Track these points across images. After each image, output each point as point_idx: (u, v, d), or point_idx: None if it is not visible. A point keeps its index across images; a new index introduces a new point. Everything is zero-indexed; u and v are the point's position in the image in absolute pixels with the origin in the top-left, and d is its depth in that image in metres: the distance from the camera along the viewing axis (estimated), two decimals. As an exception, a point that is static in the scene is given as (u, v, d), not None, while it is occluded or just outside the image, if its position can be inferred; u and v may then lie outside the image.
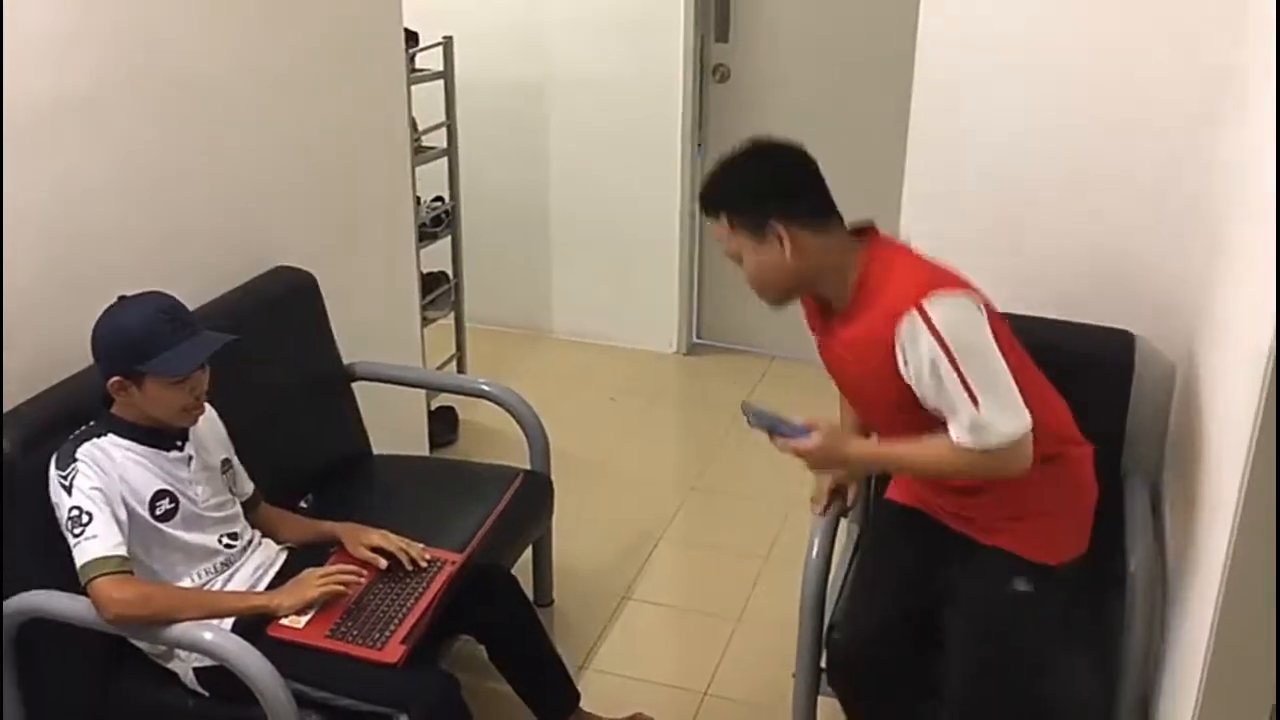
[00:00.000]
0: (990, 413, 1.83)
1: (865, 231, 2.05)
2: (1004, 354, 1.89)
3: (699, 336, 4.68)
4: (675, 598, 3.10)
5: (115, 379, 2.00)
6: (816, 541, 2.29)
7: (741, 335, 4.61)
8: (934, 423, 1.93)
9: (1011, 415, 1.85)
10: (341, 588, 2.10)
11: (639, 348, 4.63)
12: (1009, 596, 2.06)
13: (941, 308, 1.85)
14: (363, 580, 2.16)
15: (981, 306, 1.93)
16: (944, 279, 1.93)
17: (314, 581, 2.10)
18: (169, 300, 2.05)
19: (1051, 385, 2.11)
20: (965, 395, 1.84)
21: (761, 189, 1.99)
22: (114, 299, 2.05)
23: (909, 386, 1.91)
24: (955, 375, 1.83)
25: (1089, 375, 2.42)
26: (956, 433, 1.87)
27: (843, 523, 2.46)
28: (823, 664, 2.30)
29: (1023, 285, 2.53)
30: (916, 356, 1.86)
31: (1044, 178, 2.48)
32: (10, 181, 2.09)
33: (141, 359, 1.97)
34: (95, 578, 1.92)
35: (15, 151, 2.09)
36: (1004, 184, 2.53)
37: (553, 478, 2.86)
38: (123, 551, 1.96)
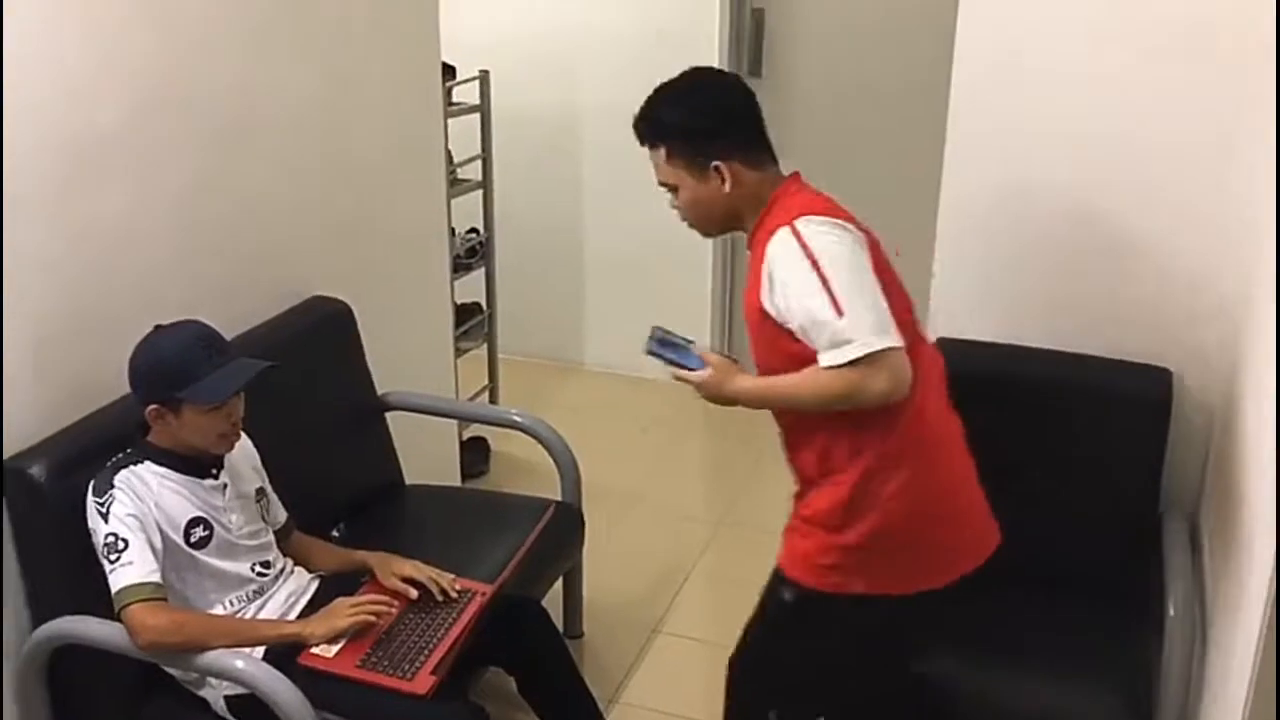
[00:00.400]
0: (853, 321, 1.78)
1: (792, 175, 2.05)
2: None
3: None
4: (706, 632, 3.08)
5: (153, 407, 2.02)
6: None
7: (774, 369, 4.59)
8: (792, 369, 1.89)
9: (875, 325, 1.79)
10: (372, 618, 2.10)
11: (671, 381, 4.60)
12: (774, 600, 2.12)
13: (814, 225, 1.86)
14: (393, 611, 2.16)
15: (862, 239, 1.91)
16: (827, 208, 1.92)
17: (345, 611, 2.10)
18: (205, 328, 2.08)
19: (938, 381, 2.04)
20: (829, 304, 1.78)
21: (707, 124, 1.97)
22: (148, 328, 2.08)
23: (771, 318, 1.88)
24: (819, 282, 1.79)
25: (1126, 412, 2.40)
26: (822, 351, 1.81)
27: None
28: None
29: (1057, 320, 2.52)
30: (783, 271, 1.84)
31: (1079, 211, 2.47)
32: (46, 214, 2.13)
33: (178, 386, 1.99)
34: (129, 604, 1.94)
35: (51, 184, 2.13)
36: (1038, 218, 2.52)
37: (584, 509, 2.86)
38: (157, 578, 1.97)
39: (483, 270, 3.93)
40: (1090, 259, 2.49)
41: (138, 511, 1.98)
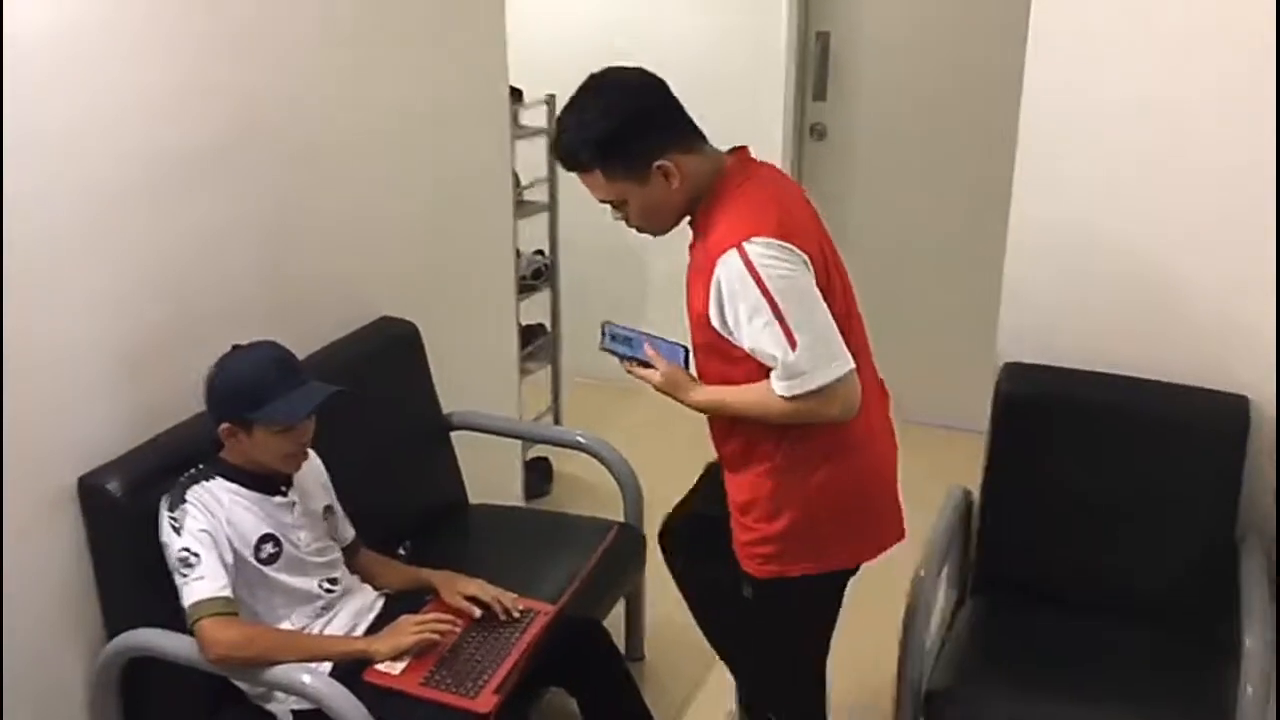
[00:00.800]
0: (807, 354, 1.80)
1: (735, 150, 2.04)
2: (832, 309, 1.86)
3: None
4: (767, 657, 3.05)
5: (226, 425, 2.06)
6: (915, 605, 2.26)
7: (837, 391, 4.56)
8: (734, 374, 1.92)
9: (827, 355, 1.82)
10: (436, 636, 2.12)
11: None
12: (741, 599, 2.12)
13: (764, 251, 1.82)
14: (457, 630, 2.17)
15: (807, 258, 1.87)
16: (777, 221, 1.87)
17: (409, 629, 2.12)
18: (280, 350, 2.12)
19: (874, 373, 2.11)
20: (783, 337, 1.80)
21: (632, 129, 1.92)
22: (224, 347, 2.12)
23: (716, 330, 1.89)
24: (771, 313, 1.80)
25: (1202, 438, 2.36)
26: (774, 378, 1.84)
27: (942, 583, 2.40)
28: (920, 728, 2.25)
29: (1131, 347, 2.48)
30: (734, 298, 1.83)
31: (1150, 237, 2.44)
32: (133, 231, 2.19)
33: (252, 407, 2.03)
34: (200, 619, 1.97)
35: (139, 202, 2.19)
36: (1108, 243, 2.48)
37: (646, 530, 2.85)
38: (228, 593, 2.00)
39: (548, 291, 3.96)
40: (1161, 285, 2.45)
41: (209, 527, 2.02)
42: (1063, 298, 2.56)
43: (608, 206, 2.02)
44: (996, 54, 3.83)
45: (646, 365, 2.08)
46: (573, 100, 1.98)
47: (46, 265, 2.03)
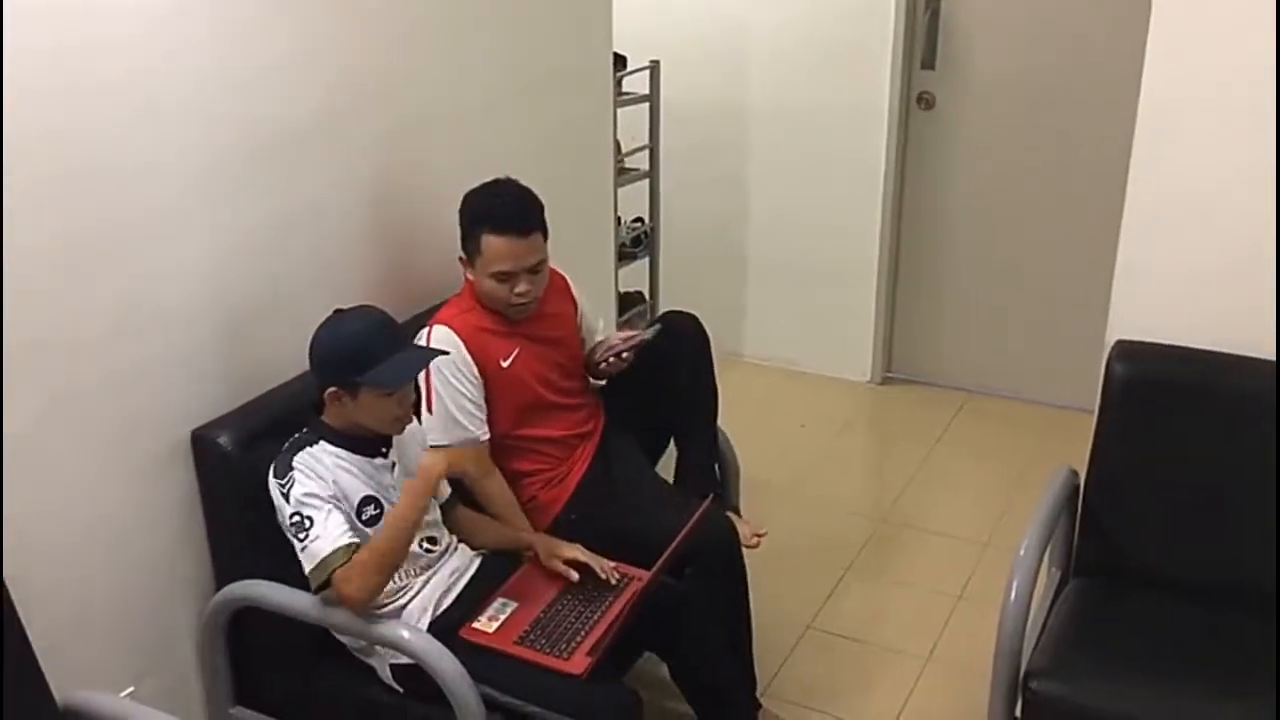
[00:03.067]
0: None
1: None
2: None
3: (890, 370, 4.58)
4: (861, 631, 3.03)
5: (331, 389, 2.10)
6: (1016, 583, 2.19)
7: (936, 369, 4.49)
8: None
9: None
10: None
11: (830, 376, 4.57)
12: None
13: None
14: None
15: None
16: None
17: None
18: (383, 315, 2.15)
19: None
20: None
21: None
22: (325, 312, 2.15)
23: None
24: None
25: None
26: None
27: (1044, 565, 2.35)
28: (1017, 713, 2.20)
29: (1250, 326, 2.38)
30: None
31: (1271, 218, 2.33)
32: (245, 198, 2.24)
33: (359, 371, 2.06)
34: (331, 573, 1.99)
35: (252, 171, 2.24)
36: (1231, 217, 2.38)
37: (739, 500, 2.85)
38: (346, 540, 2.01)
39: (646, 260, 3.96)
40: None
41: (318, 489, 2.05)
42: (1179, 274, 2.47)
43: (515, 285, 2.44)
44: (1115, 21, 3.72)
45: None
46: (510, 181, 2.48)
47: (160, 230, 2.10)
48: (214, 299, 2.22)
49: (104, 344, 2.03)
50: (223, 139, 2.18)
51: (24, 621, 1.83)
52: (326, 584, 2.01)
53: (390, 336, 2.12)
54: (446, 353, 2.33)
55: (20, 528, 1.92)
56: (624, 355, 2.56)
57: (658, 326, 2.60)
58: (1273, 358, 2.35)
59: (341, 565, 2.00)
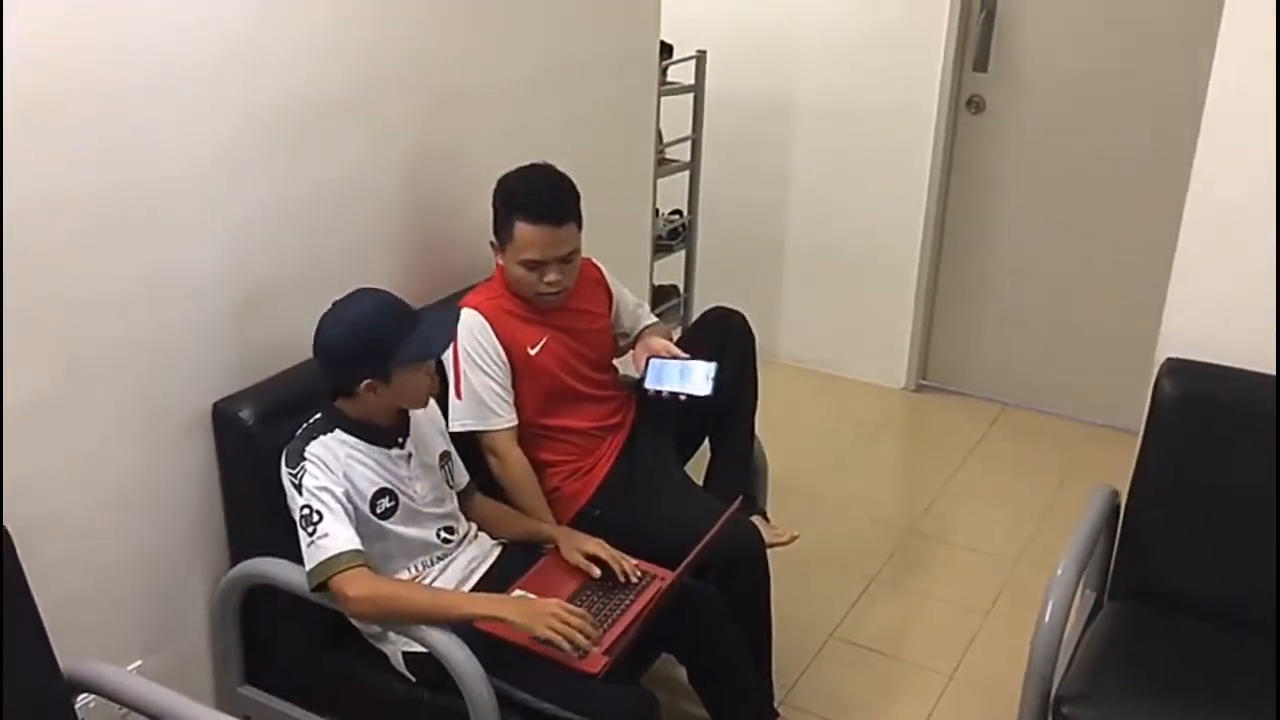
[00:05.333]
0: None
1: None
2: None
3: (925, 377, 4.50)
4: (884, 643, 2.96)
5: (366, 381, 2.02)
6: (1051, 603, 2.12)
7: (972, 379, 4.40)
8: None
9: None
10: (567, 645, 1.94)
11: (864, 380, 4.49)
12: None
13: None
14: (590, 645, 2.00)
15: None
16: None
17: (549, 619, 1.95)
18: (386, 294, 2.08)
19: None
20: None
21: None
22: (358, 290, 2.09)
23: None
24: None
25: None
26: None
27: (1080, 585, 2.27)
28: (1045, 737, 2.13)
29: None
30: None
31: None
32: (277, 172, 2.20)
33: (389, 354, 2.00)
34: (332, 576, 1.94)
35: (283, 145, 2.20)
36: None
37: (767, 503, 2.78)
38: (354, 545, 1.97)
39: (683, 253, 3.89)
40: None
41: (329, 483, 1.99)
42: (1236, 293, 2.38)
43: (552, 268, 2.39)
44: (1179, 32, 3.62)
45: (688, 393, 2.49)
46: (547, 167, 2.42)
47: (192, 196, 2.05)
48: (242, 270, 2.18)
49: (130, 307, 1.99)
50: (256, 107, 2.13)
51: (31, 587, 1.79)
52: (324, 585, 1.96)
53: (403, 311, 2.07)
54: (457, 309, 2.31)
55: (34, 491, 1.88)
56: (681, 399, 2.48)
57: (716, 366, 2.48)
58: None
59: (344, 570, 1.94)
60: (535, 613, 1.97)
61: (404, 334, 2.02)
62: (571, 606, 2.00)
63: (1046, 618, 2.12)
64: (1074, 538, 2.26)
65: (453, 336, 2.18)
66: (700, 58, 3.64)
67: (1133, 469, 2.42)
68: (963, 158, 4.16)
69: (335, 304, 2.06)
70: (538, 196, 2.35)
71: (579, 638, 1.95)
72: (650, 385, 2.52)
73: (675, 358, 2.53)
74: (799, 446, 3.86)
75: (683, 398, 2.47)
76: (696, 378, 2.48)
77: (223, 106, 2.08)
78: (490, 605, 2.03)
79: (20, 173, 1.76)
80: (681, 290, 3.97)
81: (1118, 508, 2.44)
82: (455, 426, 2.35)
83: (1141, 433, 2.41)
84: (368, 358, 2.01)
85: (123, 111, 1.91)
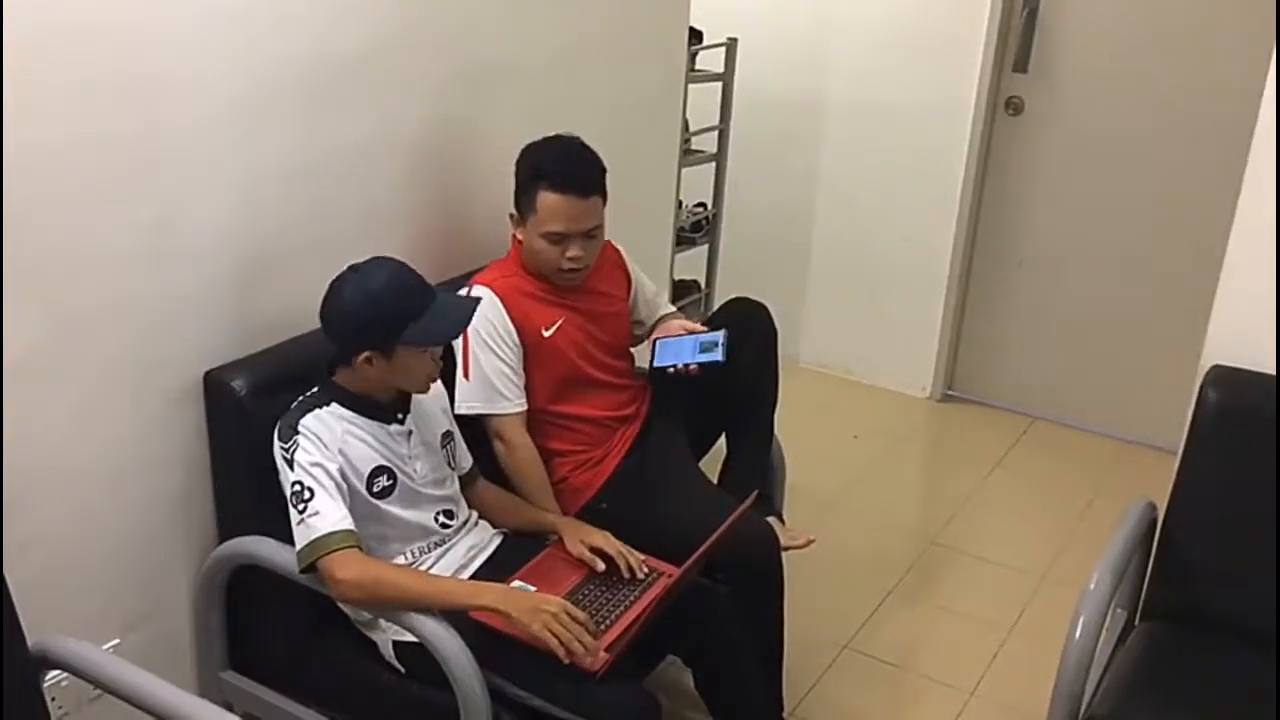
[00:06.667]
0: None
1: None
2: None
3: (951, 387, 4.36)
4: (901, 657, 2.83)
5: (365, 354, 1.92)
6: (1083, 620, 1.99)
7: (1001, 390, 4.27)
8: None
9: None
10: (562, 652, 1.82)
11: (888, 388, 4.36)
12: None
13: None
14: (590, 655, 1.87)
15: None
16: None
17: (548, 619, 1.83)
18: (403, 266, 1.96)
19: None
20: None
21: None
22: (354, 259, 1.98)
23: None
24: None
25: None
26: None
27: (1110, 606, 2.14)
28: (1073, 761, 2.00)
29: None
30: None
31: None
32: (283, 135, 2.10)
33: (396, 330, 1.90)
34: (320, 557, 1.84)
35: (292, 107, 2.10)
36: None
37: (784, 509, 2.66)
38: (347, 525, 1.86)
39: (706, 247, 3.78)
40: None
41: (322, 459, 1.89)
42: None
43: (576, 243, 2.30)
44: (1230, 35, 3.48)
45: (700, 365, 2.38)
46: (574, 139, 2.31)
47: (197, 154, 1.97)
48: (245, 234, 2.08)
49: (124, 266, 1.89)
50: (273, 62, 2.04)
51: (3, 554, 1.69)
52: (313, 566, 1.85)
53: (421, 288, 1.96)
54: (479, 299, 2.19)
55: (13, 460, 1.79)
56: (691, 369, 2.38)
57: (725, 332, 2.38)
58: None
59: (336, 550, 1.83)
60: (535, 609, 1.85)
61: (416, 312, 1.91)
62: (575, 610, 1.87)
63: (1078, 633, 1.99)
64: (1109, 551, 2.13)
65: (465, 325, 2.05)
66: (731, 45, 3.53)
67: (1172, 481, 2.30)
68: (999, 161, 4.03)
69: (352, 267, 1.95)
70: (564, 165, 2.25)
71: (576, 645, 1.82)
72: (660, 363, 2.41)
73: (688, 334, 2.44)
74: (819, 453, 3.74)
75: (693, 368, 2.36)
76: (706, 347, 2.37)
77: (238, 59, 1.98)
78: (488, 595, 1.91)
79: (15, 120, 1.67)
80: (702, 286, 3.85)
81: (1154, 523, 2.31)
82: (461, 409, 2.24)
83: (1182, 444, 2.29)
84: (374, 329, 1.91)
85: (132, 57, 1.82)
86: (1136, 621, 2.34)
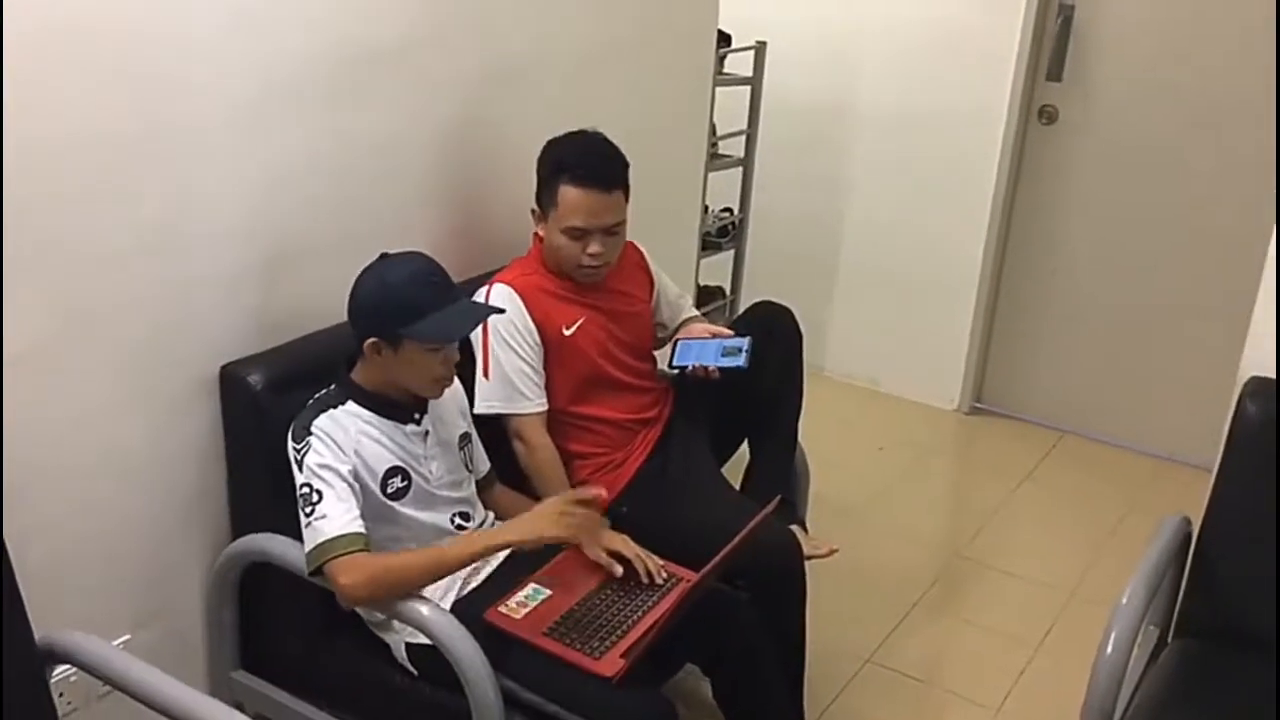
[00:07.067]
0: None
1: None
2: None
3: (979, 400, 4.29)
4: (925, 671, 2.76)
5: (372, 340, 1.90)
6: (1115, 634, 1.93)
7: (1029, 404, 4.20)
8: None
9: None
10: (577, 538, 1.95)
11: (915, 400, 4.30)
12: None
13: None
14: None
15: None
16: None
17: (552, 516, 1.88)
18: (432, 263, 1.94)
19: None
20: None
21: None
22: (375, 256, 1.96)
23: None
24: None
25: None
26: None
27: (1143, 623, 2.08)
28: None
29: None
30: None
31: None
32: (308, 125, 2.07)
33: (405, 322, 1.87)
34: (326, 561, 1.80)
35: (308, 94, 2.07)
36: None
37: (808, 520, 2.61)
38: (356, 527, 1.82)
39: (731, 253, 3.74)
40: None
41: (333, 461, 1.85)
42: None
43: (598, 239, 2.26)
44: (1267, 40, 3.41)
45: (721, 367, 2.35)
46: (597, 134, 2.27)
47: (217, 143, 1.95)
48: (263, 227, 2.06)
49: (142, 256, 1.87)
50: (295, 53, 2.02)
51: (11, 545, 1.66)
52: (321, 570, 1.81)
53: (443, 287, 1.92)
54: (502, 310, 2.14)
55: (23, 445, 1.76)
56: (711, 371, 2.34)
57: (750, 340, 2.35)
58: None
59: (342, 554, 1.79)
60: (536, 517, 1.89)
61: (427, 309, 1.88)
62: (577, 494, 1.96)
63: (1109, 648, 1.93)
64: (1142, 565, 2.07)
65: (469, 330, 2.03)
66: (760, 49, 3.49)
67: (1208, 494, 2.23)
68: (1031, 170, 3.97)
69: (382, 256, 1.93)
70: (587, 159, 2.22)
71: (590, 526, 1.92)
72: (679, 362, 2.37)
73: (712, 337, 2.40)
74: (844, 464, 3.68)
75: (713, 369, 2.32)
76: (730, 351, 2.33)
77: (262, 48, 1.96)
78: (490, 537, 1.91)
79: (34, 101, 1.65)
80: (727, 292, 3.81)
81: (1189, 538, 2.24)
82: (481, 408, 2.21)
83: (1219, 456, 2.22)
84: (385, 316, 1.88)
85: (153, 42, 1.80)
86: (1169, 639, 2.28)
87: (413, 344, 1.89)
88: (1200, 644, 2.19)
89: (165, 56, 1.82)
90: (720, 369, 2.32)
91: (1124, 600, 1.97)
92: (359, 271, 1.93)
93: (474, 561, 1.89)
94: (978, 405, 4.28)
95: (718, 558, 1.94)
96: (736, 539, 1.96)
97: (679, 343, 2.43)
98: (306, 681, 2.09)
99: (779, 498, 2.18)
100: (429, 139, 2.34)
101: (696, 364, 2.34)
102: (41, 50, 1.65)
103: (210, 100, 1.91)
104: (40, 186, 1.70)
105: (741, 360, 2.31)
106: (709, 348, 2.37)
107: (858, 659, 2.78)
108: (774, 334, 2.42)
